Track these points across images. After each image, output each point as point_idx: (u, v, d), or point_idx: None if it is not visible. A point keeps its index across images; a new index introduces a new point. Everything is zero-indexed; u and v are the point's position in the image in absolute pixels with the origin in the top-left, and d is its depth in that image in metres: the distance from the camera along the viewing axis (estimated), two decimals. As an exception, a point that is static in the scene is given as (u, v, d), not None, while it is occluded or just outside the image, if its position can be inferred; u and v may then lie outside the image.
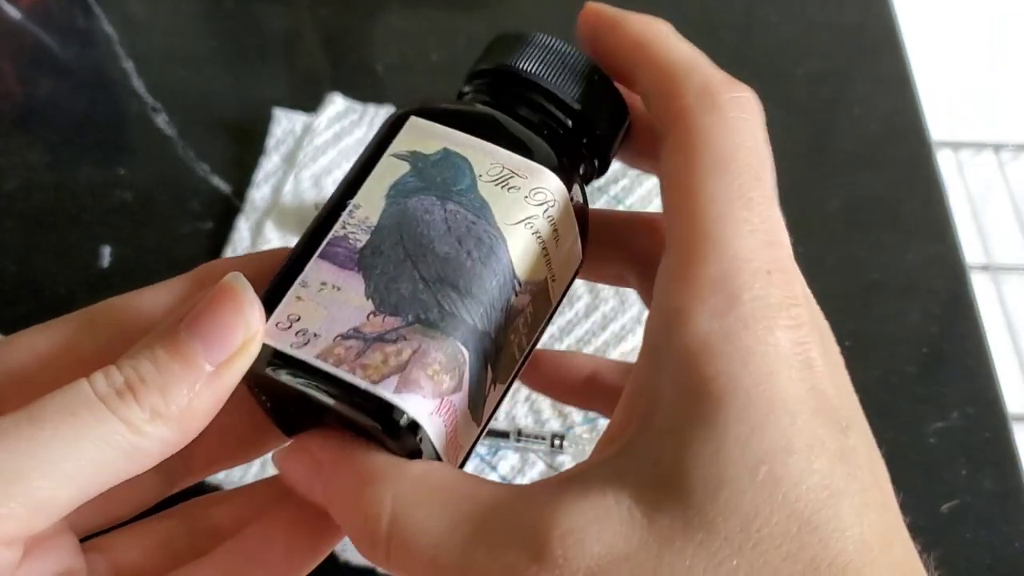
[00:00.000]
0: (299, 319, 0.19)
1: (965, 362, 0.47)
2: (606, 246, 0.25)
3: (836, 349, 0.20)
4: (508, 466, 0.43)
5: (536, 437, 0.43)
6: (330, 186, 0.52)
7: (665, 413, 0.18)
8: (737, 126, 0.20)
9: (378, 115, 0.54)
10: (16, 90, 0.59)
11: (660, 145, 0.21)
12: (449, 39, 0.61)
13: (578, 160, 0.23)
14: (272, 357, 0.19)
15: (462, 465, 0.21)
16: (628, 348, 0.46)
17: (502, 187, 0.20)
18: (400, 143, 0.21)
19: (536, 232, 0.20)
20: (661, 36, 0.22)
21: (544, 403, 0.45)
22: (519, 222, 0.20)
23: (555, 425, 0.44)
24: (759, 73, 0.60)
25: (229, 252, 0.49)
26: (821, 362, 0.18)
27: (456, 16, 0.63)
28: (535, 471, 0.43)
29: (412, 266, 0.20)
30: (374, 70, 0.60)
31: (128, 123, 0.57)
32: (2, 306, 0.49)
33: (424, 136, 0.21)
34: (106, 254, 0.50)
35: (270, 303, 0.20)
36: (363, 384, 0.19)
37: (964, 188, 1.12)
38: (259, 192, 0.52)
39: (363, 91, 0.56)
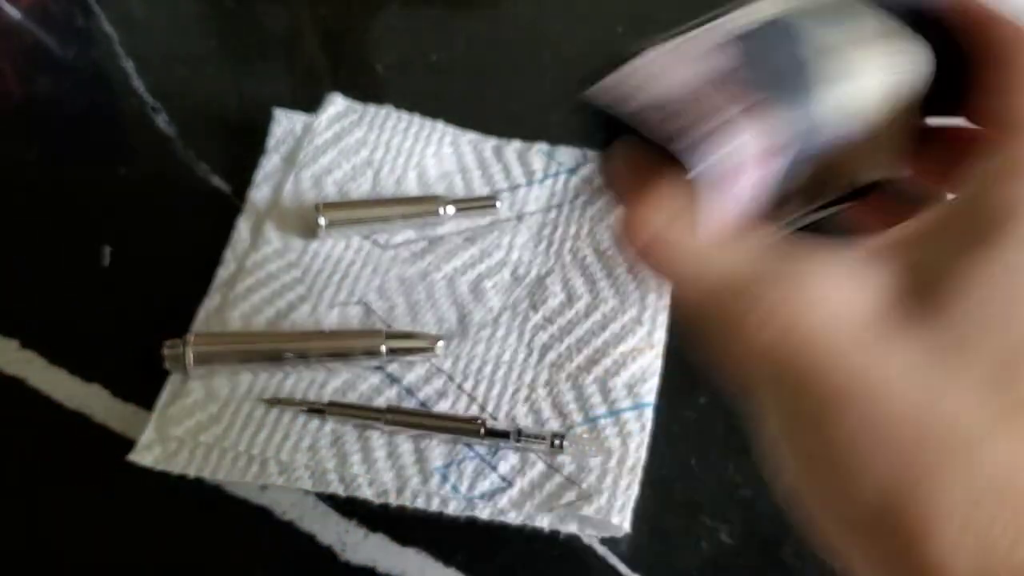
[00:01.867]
0: (633, 79, 0.22)
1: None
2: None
3: None
4: (508, 466, 0.43)
5: (536, 437, 0.43)
6: (330, 186, 0.52)
7: (950, 223, 0.20)
8: None
9: (378, 115, 0.54)
10: (16, 89, 0.59)
11: (985, 72, 0.23)
12: (449, 39, 0.61)
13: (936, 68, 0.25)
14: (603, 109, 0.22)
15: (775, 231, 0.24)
16: (628, 348, 0.46)
17: (880, 41, 0.23)
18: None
19: (889, 86, 0.23)
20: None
21: (544, 403, 0.45)
22: (879, 68, 0.23)
23: (555, 425, 0.44)
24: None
25: (229, 252, 0.49)
26: None
27: (456, 16, 0.63)
28: (535, 471, 0.43)
29: (782, 55, 0.22)
30: (374, 70, 0.60)
31: (128, 123, 0.57)
32: (1, 306, 0.49)
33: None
34: (106, 254, 0.50)
35: (619, 67, 0.23)
36: (662, 142, 0.21)
37: (964, 188, 1.12)
38: (259, 192, 0.52)
39: (363, 91, 0.56)
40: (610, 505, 0.41)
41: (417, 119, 0.54)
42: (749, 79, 0.22)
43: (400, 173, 0.53)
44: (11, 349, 0.47)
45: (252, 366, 0.45)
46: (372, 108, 0.55)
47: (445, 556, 0.41)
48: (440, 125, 0.54)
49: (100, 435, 0.44)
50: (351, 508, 0.42)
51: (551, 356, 0.46)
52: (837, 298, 0.20)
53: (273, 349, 0.45)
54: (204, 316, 0.47)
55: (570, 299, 0.48)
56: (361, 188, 0.52)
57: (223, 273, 0.49)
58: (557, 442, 0.43)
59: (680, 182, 0.22)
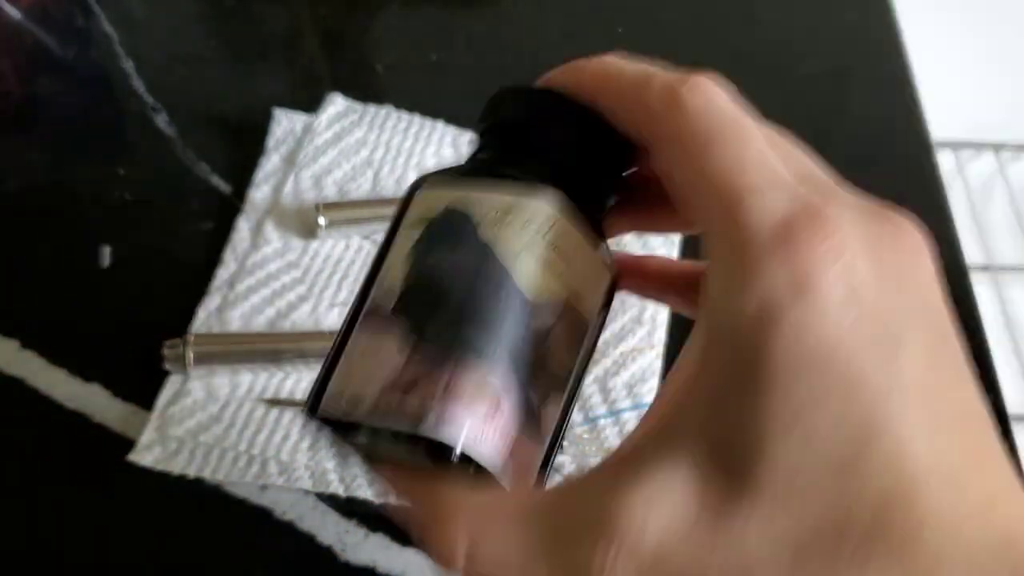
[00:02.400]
0: (347, 387, 0.22)
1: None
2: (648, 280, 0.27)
3: (913, 242, 0.20)
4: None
5: (536, 437, 0.43)
6: (330, 186, 0.52)
7: (710, 384, 0.19)
8: (707, 109, 0.21)
9: (378, 115, 0.54)
10: (16, 90, 0.59)
11: (650, 156, 0.22)
12: (449, 39, 0.61)
13: (582, 185, 0.24)
14: (335, 428, 0.22)
15: (540, 480, 0.23)
16: (628, 348, 0.46)
17: (500, 226, 0.22)
18: (411, 214, 0.24)
19: (539, 256, 0.22)
20: (614, 64, 0.23)
21: None
22: (520, 251, 0.22)
23: (555, 425, 0.44)
24: (759, 73, 0.60)
25: (229, 252, 0.49)
26: (869, 285, 0.18)
27: (456, 16, 0.63)
28: (535, 471, 0.43)
29: (433, 315, 0.22)
30: (374, 70, 0.60)
31: (128, 123, 0.57)
32: (1, 306, 0.49)
33: (430, 202, 0.23)
34: (106, 254, 0.50)
35: (324, 380, 0.22)
36: (407, 429, 0.20)
37: (964, 188, 1.12)
38: (259, 192, 0.52)
39: (363, 91, 0.56)
40: (610, 505, 0.41)
41: (417, 119, 0.54)
42: (432, 344, 0.21)
43: (400, 173, 0.53)
44: (11, 349, 0.47)
45: (252, 366, 0.45)
46: (372, 108, 0.55)
47: (445, 556, 0.41)
48: (440, 125, 0.54)
49: (100, 435, 0.44)
50: (351, 508, 0.42)
51: (551, 356, 0.46)
52: (657, 514, 0.18)
53: (273, 349, 0.45)
54: (204, 316, 0.47)
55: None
56: (361, 188, 0.52)
57: (223, 273, 0.49)
58: (561, 441, 0.43)
59: (454, 479, 0.21)
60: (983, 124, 1.14)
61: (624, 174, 0.25)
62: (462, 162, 0.26)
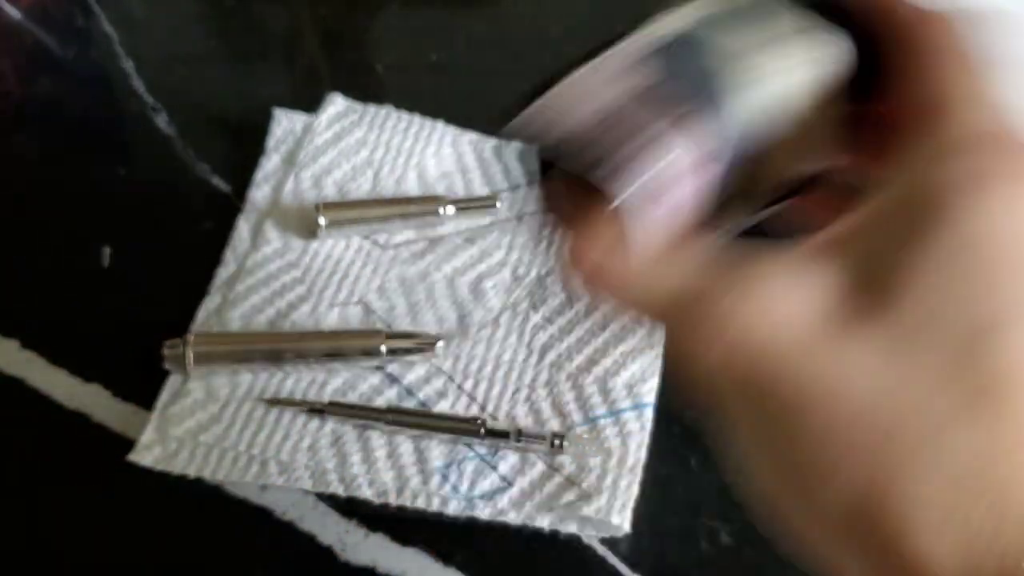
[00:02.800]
0: (553, 107, 0.22)
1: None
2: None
3: None
4: (508, 466, 0.43)
5: (536, 437, 0.43)
6: (330, 186, 0.52)
7: (890, 215, 0.20)
8: (949, 28, 0.23)
9: (378, 115, 0.54)
10: (15, 89, 0.59)
11: (895, 57, 0.23)
12: (449, 39, 0.61)
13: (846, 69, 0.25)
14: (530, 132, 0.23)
15: (719, 232, 0.24)
16: (628, 348, 0.46)
17: (801, 37, 0.23)
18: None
19: (814, 80, 0.23)
20: None
21: (544, 403, 0.45)
22: (803, 63, 0.23)
23: (555, 425, 0.44)
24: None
25: (229, 252, 0.49)
26: None
27: (456, 16, 0.63)
28: (535, 471, 0.43)
29: (705, 62, 0.22)
30: (374, 70, 0.60)
31: (128, 123, 0.57)
32: (1, 306, 0.49)
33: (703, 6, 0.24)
34: (106, 254, 0.50)
35: (539, 95, 0.23)
36: (581, 171, 0.21)
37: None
38: (259, 192, 0.52)
39: (363, 91, 0.56)
40: (610, 505, 0.41)
41: (417, 119, 0.54)
42: (668, 93, 0.22)
43: (400, 173, 0.53)
44: (11, 349, 0.47)
45: (252, 366, 0.45)
46: (372, 108, 0.55)
47: (445, 556, 0.41)
48: (440, 125, 0.54)
49: (100, 435, 0.44)
50: (351, 508, 0.42)
51: (551, 356, 0.46)
52: (786, 302, 0.19)
53: (273, 349, 0.45)
54: (204, 316, 0.47)
55: (570, 299, 0.48)
56: (361, 188, 0.52)
57: (223, 273, 0.49)
58: (557, 442, 0.43)
59: (613, 208, 0.22)
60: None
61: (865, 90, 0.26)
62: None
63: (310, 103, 0.55)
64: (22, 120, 0.57)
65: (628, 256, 0.22)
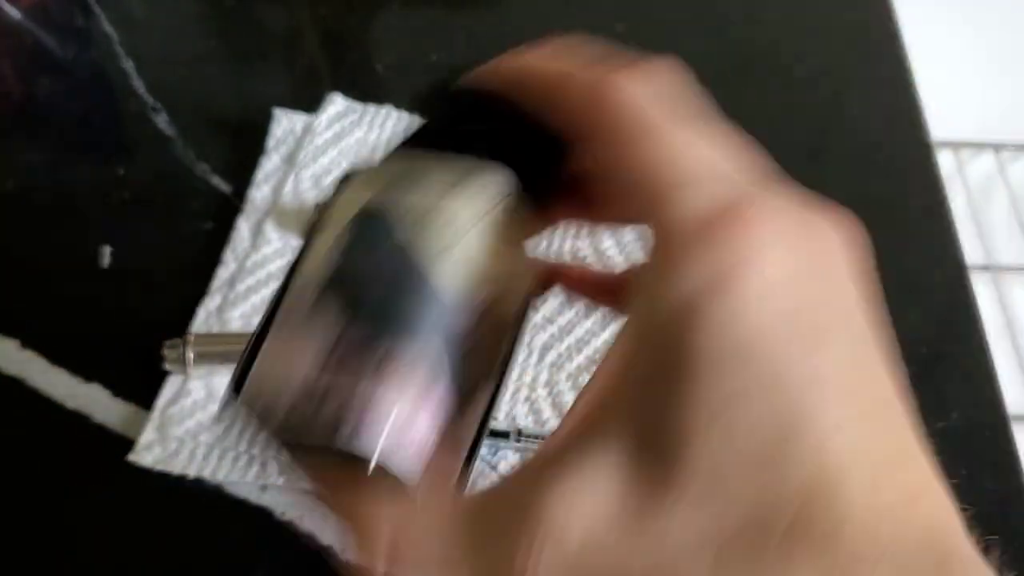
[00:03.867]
0: (262, 393, 0.21)
1: (965, 362, 0.47)
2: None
3: (832, 241, 0.20)
4: (508, 466, 0.43)
5: (536, 437, 0.43)
6: (330, 186, 0.52)
7: (636, 375, 0.19)
8: (629, 103, 0.20)
9: (378, 115, 0.54)
10: (16, 90, 0.59)
11: (589, 148, 0.22)
12: (449, 39, 0.61)
13: (516, 168, 0.24)
14: (258, 393, 0.21)
15: (461, 481, 0.22)
16: (628, 348, 0.46)
17: (420, 226, 0.22)
18: (332, 214, 0.23)
19: (461, 256, 0.22)
20: (537, 61, 0.23)
21: (544, 403, 0.45)
22: (441, 251, 0.21)
23: (555, 425, 0.44)
24: (759, 73, 0.60)
25: (229, 252, 0.49)
26: (789, 281, 0.18)
27: (456, 15, 0.63)
28: (535, 471, 0.43)
29: (352, 318, 0.21)
30: (374, 70, 0.60)
31: (128, 123, 0.57)
32: (1, 306, 0.49)
33: (350, 201, 0.23)
34: (106, 254, 0.50)
35: (240, 380, 0.21)
36: (321, 442, 0.20)
37: (964, 188, 1.12)
38: (259, 192, 0.52)
39: (363, 91, 0.56)
40: (610, 505, 0.41)
41: (417, 119, 0.54)
42: (357, 338, 0.21)
43: (400, 173, 0.53)
44: (11, 349, 0.47)
45: (252, 366, 0.45)
46: (372, 108, 0.55)
47: (445, 556, 0.41)
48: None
49: (100, 435, 0.44)
50: (351, 508, 0.42)
51: (551, 356, 0.46)
52: (581, 509, 0.18)
53: (273, 349, 0.45)
54: (204, 316, 0.47)
55: (570, 299, 0.48)
56: (361, 188, 0.52)
57: (223, 273, 0.49)
58: (557, 442, 0.43)
59: (379, 480, 0.20)
60: (983, 124, 1.14)
61: (555, 166, 0.24)
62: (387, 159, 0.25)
63: (310, 103, 0.55)
64: (22, 120, 0.57)
65: (418, 526, 0.20)
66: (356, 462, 0.20)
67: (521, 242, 0.23)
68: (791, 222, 0.19)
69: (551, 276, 0.26)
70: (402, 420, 0.20)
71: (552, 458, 0.19)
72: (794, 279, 0.18)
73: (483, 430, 0.23)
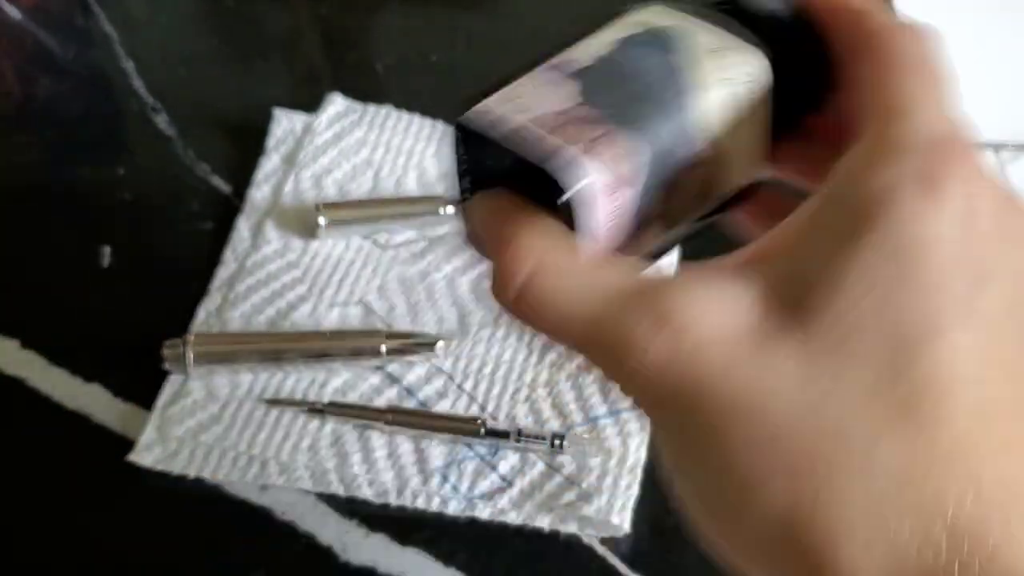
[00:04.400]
0: (501, 110, 0.23)
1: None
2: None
3: (1018, 213, 0.20)
4: (508, 466, 0.43)
5: (536, 437, 0.43)
6: (330, 186, 0.52)
7: (814, 233, 0.20)
8: (919, 38, 0.23)
9: (378, 115, 0.54)
10: (16, 89, 0.59)
11: (853, 66, 0.23)
12: (449, 38, 0.61)
13: (782, 78, 0.25)
14: (470, 140, 0.23)
15: (646, 261, 0.24)
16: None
17: (714, 57, 0.24)
18: (630, 18, 0.25)
19: (720, 102, 0.23)
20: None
21: (544, 403, 0.45)
22: (717, 83, 0.23)
23: (555, 425, 0.44)
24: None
25: (229, 252, 0.49)
26: (987, 217, 0.19)
27: (456, 15, 0.63)
28: (535, 471, 0.43)
29: (620, 86, 0.23)
30: (374, 70, 0.60)
31: (128, 123, 0.57)
32: (1, 306, 0.49)
33: (652, 18, 0.25)
34: (106, 254, 0.50)
35: (482, 96, 0.23)
36: (536, 159, 0.21)
37: (964, 188, 1.12)
38: (259, 192, 0.52)
39: (363, 91, 0.56)
40: (610, 505, 0.41)
41: (417, 119, 0.54)
42: (587, 115, 0.22)
43: (400, 173, 0.53)
44: (11, 349, 0.47)
45: (252, 366, 0.45)
46: (372, 108, 0.55)
47: (445, 556, 0.41)
48: (440, 125, 0.54)
49: (100, 435, 0.44)
50: (351, 508, 0.42)
51: (551, 356, 0.46)
52: (713, 315, 0.19)
53: (273, 349, 0.45)
54: (204, 316, 0.47)
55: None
56: (361, 188, 0.52)
57: (223, 273, 0.49)
58: (557, 442, 0.43)
59: (548, 220, 0.22)
60: (983, 124, 1.14)
61: (815, 102, 0.26)
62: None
63: (310, 103, 0.55)
64: (22, 120, 0.57)
65: (564, 260, 0.21)
66: (551, 195, 0.21)
67: (757, 132, 0.25)
68: (996, 189, 0.20)
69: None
70: (611, 182, 0.21)
71: (710, 269, 0.20)
72: (982, 222, 0.19)
73: (657, 253, 0.25)
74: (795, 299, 0.19)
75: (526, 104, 0.23)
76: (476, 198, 0.24)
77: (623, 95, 0.23)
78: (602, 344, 0.20)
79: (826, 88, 0.25)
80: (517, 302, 0.21)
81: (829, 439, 0.18)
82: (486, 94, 0.23)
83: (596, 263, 0.21)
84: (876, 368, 0.18)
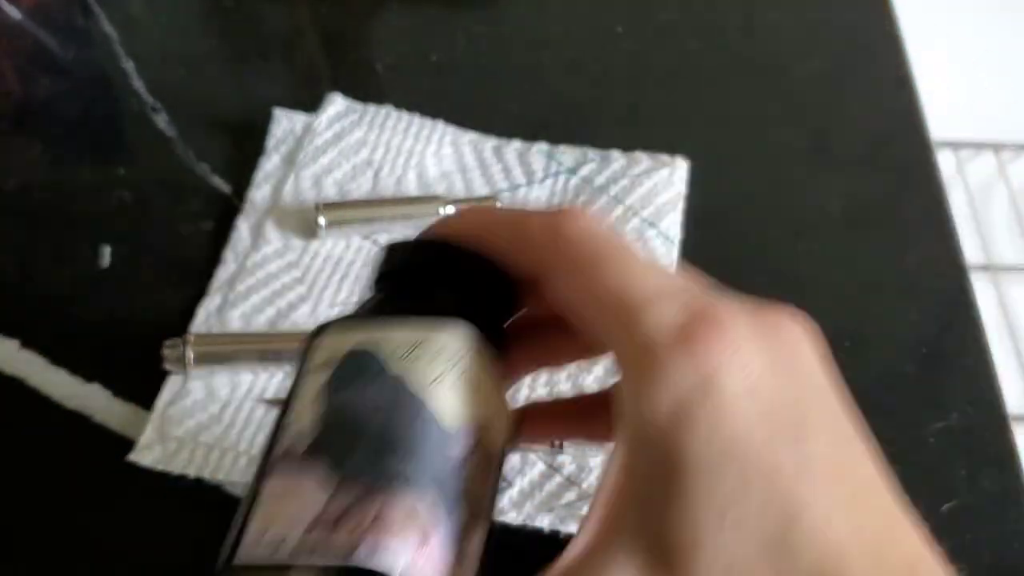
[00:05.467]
0: (267, 530, 0.21)
1: (965, 362, 0.47)
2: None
3: (794, 334, 0.21)
4: (508, 465, 0.43)
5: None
6: (330, 186, 0.52)
7: (636, 490, 0.20)
8: (586, 235, 0.22)
9: (378, 115, 0.54)
10: (16, 89, 0.59)
11: (542, 290, 0.23)
12: (449, 39, 0.61)
13: (480, 322, 0.24)
14: (257, 572, 0.21)
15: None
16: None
17: (409, 359, 0.22)
18: (316, 359, 0.23)
19: (451, 386, 0.22)
20: (492, 210, 0.24)
21: (544, 403, 0.45)
22: (432, 382, 0.22)
23: (555, 425, 0.44)
24: (758, 73, 0.60)
25: (229, 252, 0.49)
26: (766, 377, 0.19)
27: (456, 15, 0.63)
28: (535, 471, 0.43)
29: (352, 449, 0.21)
30: (374, 70, 0.60)
31: (128, 123, 0.57)
32: (1, 306, 0.49)
33: (335, 345, 0.23)
34: (106, 254, 0.50)
35: (240, 530, 0.22)
36: (339, 562, 0.20)
37: (964, 188, 1.12)
38: (259, 192, 0.52)
39: (363, 91, 0.56)
40: (610, 505, 0.41)
41: (417, 119, 0.54)
42: (355, 482, 0.21)
43: (400, 173, 0.53)
44: (11, 349, 0.47)
45: (252, 366, 0.45)
46: (372, 108, 0.55)
47: (445, 556, 0.41)
48: (440, 125, 0.54)
49: (100, 435, 0.44)
50: (351, 508, 0.42)
51: (551, 356, 0.46)
52: None
53: (274, 349, 0.45)
54: (204, 316, 0.47)
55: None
56: (361, 188, 0.52)
57: (223, 273, 0.49)
58: (557, 442, 0.43)
59: None
60: (983, 124, 1.14)
61: (515, 313, 0.26)
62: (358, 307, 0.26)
63: (310, 103, 0.55)
64: (22, 120, 0.57)
65: None
66: None
67: (498, 383, 0.24)
68: (755, 322, 0.20)
69: (524, 418, 0.27)
70: (417, 540, 0.20)
71: (577, 559, 0.20)
72: (771, 375, 0.19)
73: (484, 555, 0.24)
74: (663, 561, 0.19)
75: (289, 514, 0.21)
76: None
77: (370, 450, 0.21)
78: None
79: (519, 294, 0.24)
80: None
81: None
82: (245, 523, 0.22)
83: None
84: (769, 573, 0.18)
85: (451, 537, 0.22)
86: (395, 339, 0.23)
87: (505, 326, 0.26)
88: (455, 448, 0.22)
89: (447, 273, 0.25)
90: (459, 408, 0.22)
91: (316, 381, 0.23)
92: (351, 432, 0.22)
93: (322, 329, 0.24)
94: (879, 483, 0.20)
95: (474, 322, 0.24)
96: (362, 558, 0.20)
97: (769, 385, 0.19)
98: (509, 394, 0.25)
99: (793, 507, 0.18)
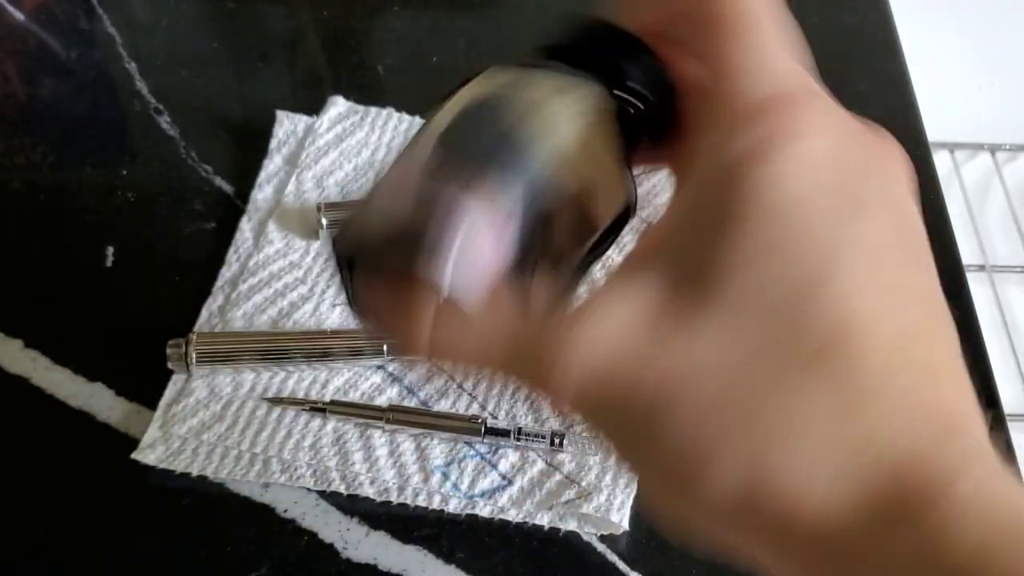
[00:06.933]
0: (367, 215, 0.23)
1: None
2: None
3: (877, 139, 0.22)
4: (508, 464, 0.43)
5: (536, 436, 0.43)
6: (332, 187, 0.52)
7: (690, 218, 0.21)
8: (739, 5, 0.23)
9: (379, 116, 0.55)
10: (19, 91, 0.59)
11: (701, 37, 0.24)
12: (450, 41, 0.61)
13: (622, 98, 0.26)
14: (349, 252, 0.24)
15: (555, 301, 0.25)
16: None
17: (555, 97, 0.24)
18: (474, 82, 0.26)
19: (578, 132, 0.24)
20: None
21: (544, 402, 0.45)
22: (564, 120, 0.24)
23: (555, 424, 0.44)
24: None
25: (232, 253, 0.50)
26: (848, 161, 0.20)
27: (457, 17, 0.63)
28: (535, 469, 0.43)
29: (477, 136, 0.24)
30: (375, 72, 0.60)
31: (131, 124, 0.57)
32: (4, 306, 0.49)
33: (495, 75, 0.26)
34: (110, 254, 0.51)
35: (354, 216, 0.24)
36: (427, 191, 0.22)
37: (960, 189, 1.12)
38: (261, 193, 0.52)
39: (364, 93, 0.56)
40: (609, 503, 0.42)
41: (418, 120, 0.55)
42: (458, 161, 0.23)
43: (401, 174, 0.53)
44: (15, 348, 0.47)
45: (255, 365, 0.45)
46: (373, 109, 0.55)
47: (446, 554, 0.42)
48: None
49: (103, 434, 0.45)
50: (353, 506, 0.43)
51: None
52: (616, 317, 0.20)
53: (275, 348, 0.45)
54: (207, 316, 0.47)
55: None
56: (363, 189, 0.52)
57: (226, 273, 0.49)
58: (557, 440, 0.43)
59: (441, 295, 0.22)
60: (979, 125, 1.14)
61: (657, 110, 0.26)
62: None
63: (311, 105, 0.55)
64: (26, 122, 0.58)
65: (459, 322, 0.22)
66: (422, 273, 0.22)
67: (616, 157, 0.25)
68: (855, 127, 0.21)
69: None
70: (483, 247, 0.22)
71: (602, 287, 0.21)
72: (843, 159, 0.20)
73: (561, 294, 0.25)
74: (692, 280, 0.20)
75: (397, 169, 0.24)
76: (360, 272, 0.24)
77: (482, 142, 0.23)
78: (524, 368, 0.21)
79: (673, 98, 0.25)
80: (434, 353, 0.22)
81: (755, 402, 0.18)
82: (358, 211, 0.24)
83: (493, 297, 0.22)
84: (782, 324, 0.19)
85: (519, 242, 0.23)
86: (542, 84, 0.25)
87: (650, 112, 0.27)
88: (552, 183, 0.24)
89: (607, 50, 0.26)
90: (568, 156, 0.24)
91: (466, 95, 0.25)
92: (473, 133, 0.24)
93: (466, 80, 0.27)
94: (932, 296, 0.21)
95: (607, 92, 0.25)
96: (425, 249, 0.22)
97: (837, 166, 0.20)
98: (629, 180, 0.26)
99: (824, 272, 0.19)
